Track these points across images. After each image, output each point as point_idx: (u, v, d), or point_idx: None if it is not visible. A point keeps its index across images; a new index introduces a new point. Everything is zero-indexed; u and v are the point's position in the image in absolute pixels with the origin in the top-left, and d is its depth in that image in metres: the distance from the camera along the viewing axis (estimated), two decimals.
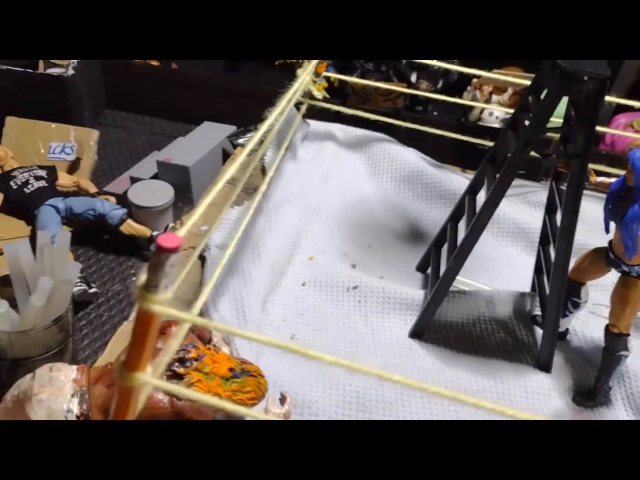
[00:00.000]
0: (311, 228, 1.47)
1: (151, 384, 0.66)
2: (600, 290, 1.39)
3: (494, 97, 2.12)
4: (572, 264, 1.20)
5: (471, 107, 2.09)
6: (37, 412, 0.79)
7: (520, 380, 1.18)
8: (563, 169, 1.06)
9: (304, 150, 1.70)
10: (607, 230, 1.09)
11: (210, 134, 1.81)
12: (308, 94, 1.68)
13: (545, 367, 1.21)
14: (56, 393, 0.81)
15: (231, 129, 1.83)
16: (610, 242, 1.12)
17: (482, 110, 2.07)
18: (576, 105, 0.99)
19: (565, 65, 0.93)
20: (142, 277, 0.62)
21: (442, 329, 1.28)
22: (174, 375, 0.80)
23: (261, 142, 1.71)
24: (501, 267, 1.50)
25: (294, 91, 1.31)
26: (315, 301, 1.29)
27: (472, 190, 1.27)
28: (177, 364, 0.81)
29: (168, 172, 1.67)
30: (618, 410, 1.16)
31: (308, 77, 1.54)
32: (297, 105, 1.70)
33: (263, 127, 1.43)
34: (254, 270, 1.25)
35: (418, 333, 1.25)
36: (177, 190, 1.66)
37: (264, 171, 1.65)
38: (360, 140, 1.77)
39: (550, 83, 0.97)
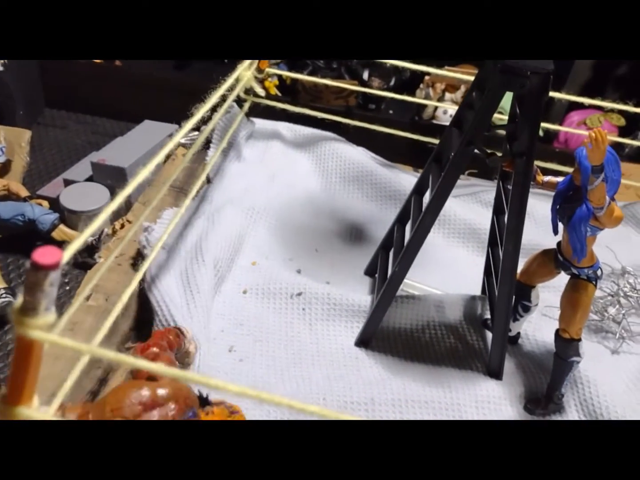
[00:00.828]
0: (255, 231, 1.39)
1: (38, 417, 0.58)
2: (552, 291, 1.36)
3: (447, 95, 2.09)
4: (521, 265, 1.16)
5: (424, 105, 2.05)
6: None
7: (470, 388, 1.12)
8: (508, 168, 1.01)
9: (249, 150, 1.63)
10: (555, 231, 1.04)
11: (150, 133, 1.72)
12: (252, 91, 1.61)
13: (495, 374, 1.16)
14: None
15: (173, 127, 1.74)
16: (558, 244, 1.08)
17: (436, 108, 2.03)
18: (520, 102, 0.94)
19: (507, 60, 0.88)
20: (19, 299, 0.54)
21: (390, 336, 1.22)
22: None
23: (207, 142, 1.65)
24: (452, 269, 1.45)
25: (228, 87, 1.23)
26: (256, 310, 1.21)
27: (419, 190, 1.22)
28: None
29: (103, 173, 1.58)
30: (571, 418, 1.12)
31: (248, 73, 1.46)
32: (240, 103, 1.62)
33: (209, 127, 1.37)
34: (190, 276, 1.17)
35: (364, 341, 1.19)
36: (113, 193, 1.57)
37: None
38: (309, 139, 1.70)
39: (492, 79, 0.92)
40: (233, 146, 1.60)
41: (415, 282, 1.36)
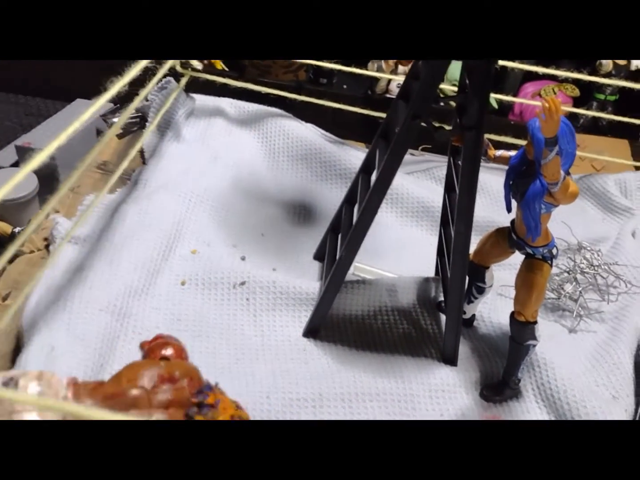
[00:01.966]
0: (195, 217, 1.30)
1: None
2: (508, 269, 1.31)
3: (401, 68, 2.00)
4: (475, 245, 1.10)
5: (377, 79, 1.96)
6: None
7: (423, 377, 1.07)
8: (458, 143, 0.94)
9: (189, 129, 1.52)
10: (508, 209, 0.98)
11: (82, 113, 1.59)
12: (189, 65, 1.50)
13: (450, 360, 1.11)
14: (46, 416, 0.65)
15: (107, 106, 1.61)
16: (512, 222, 1.02)
17: (389, 81, 1.95)
18: (469, 73, 0.87)
19: None
20: None
21: (340, 324, 1.16)
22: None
23: (141, 121, 1.54)
24: (406, 250, 1.39)
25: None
26: (196, 302, 1.13)
27: (366, 169, 1.14)
28: (195, 409, 0.74)
29: (30, 158, 1.45)
30: (529, 403, 1.08)
31: None
32: (177, 78, 1.51)
33: (133, 103, 1.25)
34: (112, 270, 1.08)
35: (313, 331, 1.12)
36: (41, 179, 1.45)
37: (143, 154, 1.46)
38: (254, 116, 1.60)
39: None
40: (171, 125, 1.49)
41: (367, 265, 1.30)
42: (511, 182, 0.96)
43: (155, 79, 1.29)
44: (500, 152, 0.99)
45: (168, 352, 0.85)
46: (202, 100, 1.59)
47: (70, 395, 0.70)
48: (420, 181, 1.55)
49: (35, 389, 0.68)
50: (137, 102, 1.25)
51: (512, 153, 0.97)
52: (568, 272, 1.30)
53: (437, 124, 0.92)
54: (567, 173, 0.90)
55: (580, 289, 1.28)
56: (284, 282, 1.18)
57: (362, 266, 1.29)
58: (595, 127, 2.06)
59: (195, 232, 1.26)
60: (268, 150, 1.54)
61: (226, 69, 1.95)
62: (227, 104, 1.60)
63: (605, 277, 1.31)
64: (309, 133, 1.56)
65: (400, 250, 1.39)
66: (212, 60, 1.94)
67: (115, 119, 1.55)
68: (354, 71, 1.68)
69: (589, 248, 1.38)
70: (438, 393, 1.05)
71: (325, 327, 1.14)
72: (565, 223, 1.43)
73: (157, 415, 0.71)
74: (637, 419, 1.06)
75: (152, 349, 0.86)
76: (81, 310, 1.00)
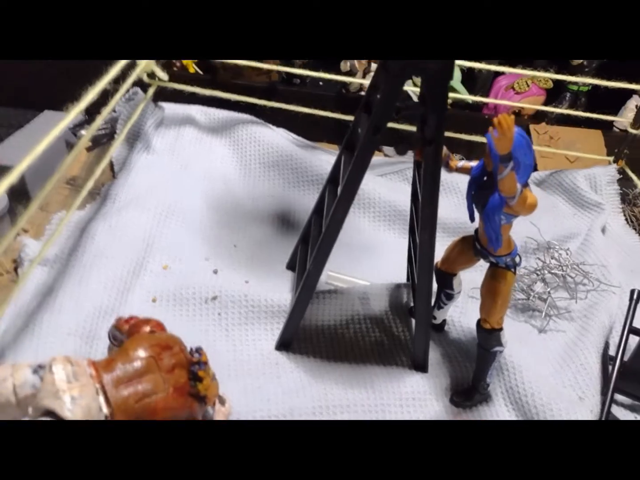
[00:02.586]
0: (166, 231, 1.29)
1: None
2: (480, 271, 1.31)
3: (373, 65, 2.00)
4: (444, 251, 1.11)
5: (353, 76, 1.95)
6: (74, 411, 0.71)
7: (394, 386, 1.08)
8: (418, 157, 0.94)
9: (159, 139, 1.51)
10: (471, 219, 0.99)
11: (50, 126, 1.57)
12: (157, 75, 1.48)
13: (421, 367, 1.13)
14: (86, 390, 0.74)
15: (75, 118, 1.59)
16: (476, 231, 1.03)
17: (364, 77, 1.94)
18: (427, 87, 0.87)
19: None
20: None
21: (312, 336, 1.17)
22: (194, 377, 0.82)
23: (111, 133, 1.52)
24: (379, 255, 1.40)
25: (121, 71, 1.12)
26: (167, 319, 1.11)
27: (333, 179, 1.14)
28: (196, 366, 0.83)
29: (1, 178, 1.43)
30: (498, 407, 1.10)
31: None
32: (144, 88, 1.50)
33: (102, 115, 1.24)
34: (81, 291, 1.08)
35: (285, 344, 1.13)
36: (11, 195, 1.43)
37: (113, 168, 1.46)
38: (224, 123, 1.59)
39: (392, 65, 0.84)
40: (141, 136, 1.48)
41: (340, 274, 1.31)
42: (473, 193, 0.97)
43: (122, 89, 1.28)
44: (461, 163, 0.99)
45: (151, 326, 0.91)
46: (171, 108, 1.58)
47: (93, 372, 0.77)
48: (392, 183, 1.56)
49: (69, 370, 0.75)
50: (105, 114, 1.24)
51: (474, 163, 0.98)
52: (537, 273, 1.32)
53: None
54: (526, 184, 0.91)
55: (549, 289, 1.30)
56: (256, 295, 1.18)
57: (335, 274, 1.30)
58: (569, 117, 2.07)
59: (167, 247, 1.26)
60: (239, 158, 1.54)
61: (200, 71, 1.94)
62: (197, 111, 1.60)
63: (573, 276, 1.33)
64: (280, 139, 1.56)
65: (373, 255, 1.40)
66: (185, 64, 1.93)
67: (84, 132, 1.53)
68: (322, 76, 1.68)
69: (557, 247, 1.40)
70: (409, 402, 1.06)
71: (297, 339, 1.15)
72: (534, 224, 1.45)
73: (166, 377, 0.80)
74: (603, 417, 1.08)
75: (134, 326, 0.90)
76: (49, 335, 1.01)
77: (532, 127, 1.97)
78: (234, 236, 1.35)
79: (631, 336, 1.20)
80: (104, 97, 1.41)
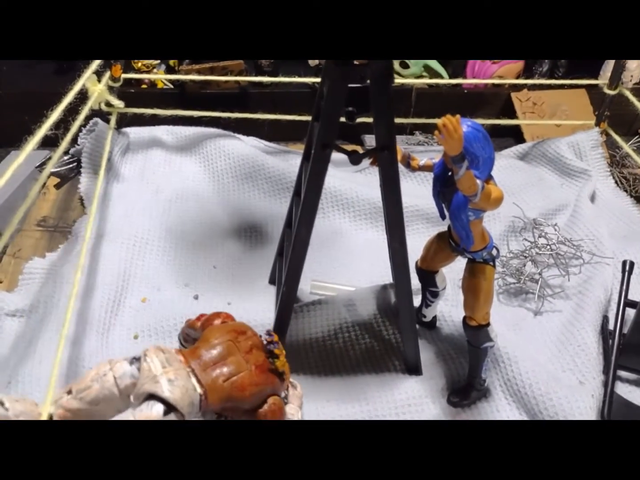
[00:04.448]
0: (142, 262, 1.27)
1: None
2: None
3: None
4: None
5: None
6: (173, 391, 0.78)
7: (387, 395, 1.06)
8: (374, 164, 0.90)
9: (128, 166, 1.49)
10: (442, 216, 0.96)
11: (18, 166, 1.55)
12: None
13: (414, 369, 1.10)
14: (180, 373, 0.81)
15: (42, 154, 1.57)
16: (449, 228, 0.99)
17: None
18: (372, 92, 0.83)
19: None
20: None
21: (301, 351, 1.14)
22: (271, 355, 0.90)
23: (78, 167, 1.50)
24: (364, 257, 1.36)
25: (67, 103, 1.09)
26: None
27: (297, 192, 1.11)
28: (271, 345, 0.91)
29: None
30: (498, 401, 1.07)
31: (98, 87, 1.30)
32: (106, 117, 1.47)
33: (58, 151, 1.21)
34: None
35: None
36: None
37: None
38: (192, 140, 1.56)
39: (329, 70, 0.80)
40: (108, 166, 1.46)
41: (324, 282, 1.27)
42: (438, 190, 0.93)
43: (78, 121, 1.25)
44: (423, 162, 0.95)
45: (222, 318, 0.98)
46: (136, 132, 1.55)
47: (182, 358, 0.84)
48: (370, 178, 1.51)
49: (162, 357, 0.82)
50: (62, 147, 1.21)
51: (436, 160, 0.94)
52: (524, 255, 1.28)
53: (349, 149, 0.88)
54: (490, 177, 0.87)
55: (539, 269, 1.26)
56: (238, 317, 1.13)
57: (318, 283, 1.27)
58: (552, 78, 2.00)
59: (144, 278, 1.24)
60: (211, 175, 1.50)
61: (170, 85, 1.90)
62: (163, 132, 1.57)
63: (563, 252, 1.29)
64: (250, 149, 1.52)
65: (358, 257, 1.36)
66: (155, 80, 1.89)
67: (51, 169, 1.50)
68: (290, 81, 1.65)
69: (545, 223, 1.35)
70: (404, 409, 1.04)
71: (287, 356, 1.12)
72: (518, 203, 1.41)
73: (247, 357, 0.88)
74: (607, 398, 1.05)
75: (206, 320, 0.98)
76: (33, 389, 0.99)
77: (513, 95, 1.92)
78: (213, 257, 1.33)
79: (629, 309, 1.16)
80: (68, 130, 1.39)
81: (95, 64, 1.23)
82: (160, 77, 1.71)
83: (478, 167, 0.83)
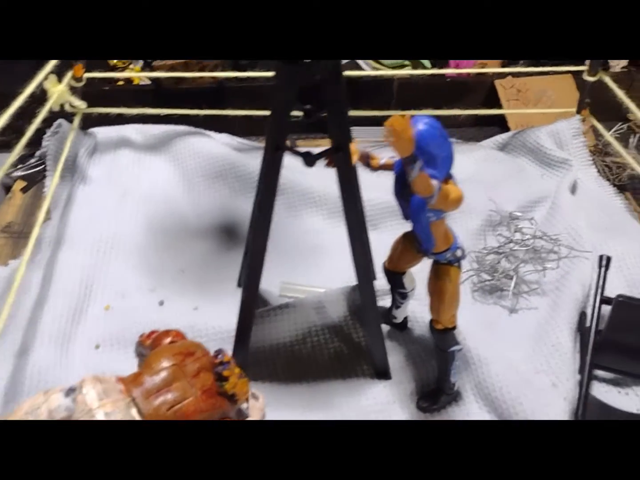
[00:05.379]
0: (106, 268, 1.24)
1: None
2: None
3: None
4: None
5: None
6: None
7: (355, 401, 1.03)
8: (331, 165, 0.87)
9: (95, 168, 1.45)
10: (405, 217, 0.92)
11: None
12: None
13: (383, 373, 1.07)
14: (119, 405, 0.78)
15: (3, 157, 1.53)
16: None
17: None
18: (323, 90, 0.79)
19: None
20: None
21: (267, 358, 1.11)
22: (219, 378, 0.86)
23: (42, 171, 1.46)
24: (338, 257, 1.31)
25: (17, 106, 1.05)
26: (111, 365, 1.07)
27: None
28: (220, 367, 0.87)
29: None
30: (469, 405, 1.04)
31: (59, 88, 1.26)
32: (69, 117, 1.43)
33: (13, 154, 1.18)
34: (20, 351, 1.03)
35: None
36: None
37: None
38: (162, 139, 1.52)
39: (277, 71, 0.76)
40: (74, 168, 1.42)
41: (294, 284, 1.24)
42: (399, 190, 0.89)
43: (35, 123, 1.22)
44: (384, 161, 0.92)
45: (171, 337, 0.95)
46: (104, 132, 1.51)
47: (123, 388, 0.81)
48: None
49: (99, 388, 0.79)
50: (17, 151, 1.18)
51: (397, 158, 0.90)
52: (497, 252, 1.24)
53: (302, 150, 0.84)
54: (450, 176, 0.83)
55: (513, 265, 1.23)
56: (203, 323, 1.13)
57: (289, 285, 1.24)
58: (537, 63, 1.95)
59: (108, 285, 1.21)
60: (181, 174, 1.46)
61: (147, 80, 1.85)
62: (132, 131, 1.53)
63: (539, 247, 1.25)
64: (221, 147, 1.48)
65: (332, 256, 1.33)
66: (131, 77, 1.85)
67: (18, 173, 1.47)
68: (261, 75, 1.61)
69: (521, 217, 1.31)
70: (371, 415, 1.01)
71: (252, 363, 1.09)
72: (493, 198, 1.36)
73: (193, 381, 0.84)
74: (582, 398, 1.02)
75: (156, 339, 0.95)
76: None
77: (497, 82, 1.87)
78: (181, 260, 1.29)
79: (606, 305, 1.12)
80: (39, 133, 1.36)
81: (51, 64, 1.19)
82: (125, 75, 1.67)
83: (435, 167, 0.79)
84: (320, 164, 0.88)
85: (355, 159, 0.86)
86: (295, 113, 0.81)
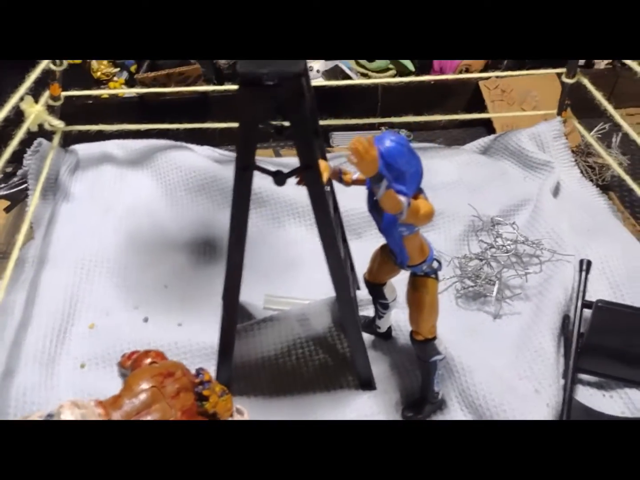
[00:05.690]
0: (90, 286, 1.24)
1: None
2: None
3: None
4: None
5: None
6: None
7: (339, 412, 1.03)
8: (301, 183, 0.87)
9: (77, 185, 1.45)
10: (380, 231, 0.92)
11: None
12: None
13: (368, 384, 1.07)
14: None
15: None
16: None
17: None
18: (283, 110, 0.79)
19: (243, 70, 0.72)
20: None
21: (252, 372, 1.11)
22: (199, 397, 0.88)
23: (25, 190, 1.46)
24: (320, 267, 1.31)
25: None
26: (97, 385, 1.07)
27: None
28: (200, 386, 0.89)
29: None
30: (453, 413, 1.04)
31: (36, 108, 1.26)
32: (49, 136, 1.43)
33: None
34: (6, 372, 1.03)
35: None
36: None
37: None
38: (143, 153, 1.52)
39: (241, 95, 0.76)
40: (56, 186, 1.42)
41: (278, 297, 1.24)
42: (372, 204, 0.89)
43: (11, 146, 1.22)
44: (356, 176, 0.92)
45: (151, 358, 0.97)
46: (85, 149, 1.51)
47: (102, 412, 0.82)
48: None
49: (77, 413, 0.80)
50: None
51: None
52: (480, 258, 1.24)
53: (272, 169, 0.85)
54: (420, 191, 0.83)
55: (495, 272, 1.23)
56: (186, 340, 1.13)
57: (272, 298, 1.24)
58: (520, 66, 1.95)
59: (92, 303, 1.21)
60: (163, 189, 1.46)
61: (133, 92, 1.85)
62: (114, 146, 1.53)
63: (521, 252, 1.26)
64: (203, 160, 1.48)
65: (315, 267, 1.30)
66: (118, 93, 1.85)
67: (0, 192, 1.47)
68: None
69: (502, 223, 1.32)
70: None
71: (237, 378, 1.09)
72: (482, 195, 1.37)
73: (172, 402, 0.86)
74: (565, 403, 1.02)
75: (136, 360, 0.96)
76: None
77: (481, 83, 1.88)
78: (164, 276, 1.29)
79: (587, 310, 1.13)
80: (21, 153, 1.36)
81: (26, 86, 1.19)
82: (101, 92, 1.67)
83: (405, 183, 0.79)
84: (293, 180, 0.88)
85: (326, 176, 0.87)
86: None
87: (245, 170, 0.81)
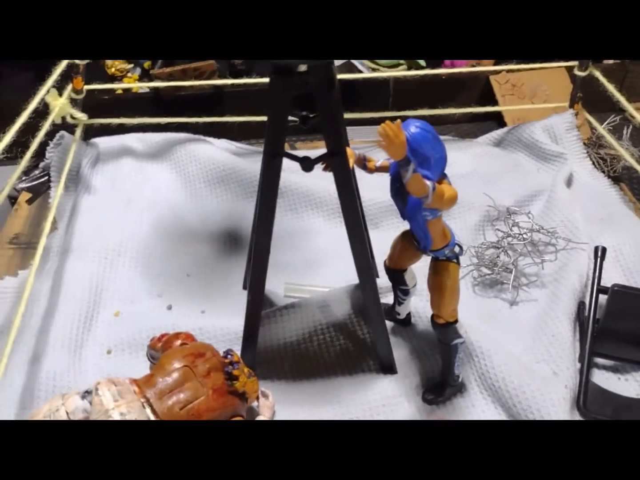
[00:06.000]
0: (114, 275, 1.27)
1: None
2: None
3: None
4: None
5: None
6: None
7: (361, 396, 1.05)
8: (327, 169, 0.89)
9: (98, 177, 1.48)
10: (403, 217, 0.95)
11: None
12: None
13: (389, 368, 1.09)
14: (133, 405, 0.82)
15: (9, 170, 1.56)
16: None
17: None
18: (315, 97, 0.82)
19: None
20: None
21: (275, 357, 1.14)
22: (230, 377, 0.90)
23: (47, 182, 1.49)
24: (339, 255, 1.34)
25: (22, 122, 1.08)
26: (124, 370, 1.10)
27: None
28: (230, 366, 0.91)
29: None
30: (473, 396, 1.06)
31: (60, 101, 1.29)
32: (71, 129, 1.45)
33: (19, 168, 1.20)
34: (33, 358, 1.06)
35: None
36: None
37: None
38: (163, 146, 1.55)
39: (270, 82, 0.79)
40: (78, 178, 1.45)
41: (298, 284, 1.27)
42: (396, 191, 0.92)
43: (38, 137, 1.25)
44: (380, 162, 0.94)
45: (181, 339, 0.98)
46: (105, 142, 1.54)
47: (137, 389, 0.85)
48: None
49: (114, 390, 0.83)
50: (22, 166, 1.21)
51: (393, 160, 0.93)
52: (496, 246, 1.27)
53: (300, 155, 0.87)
54: (444, 176, 0.86)
55: (512, 260, 1.25)
56: (210, 326, 1.15)
57: (293, 286, 1.26)
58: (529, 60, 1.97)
59: (117, 292, 1.24)
60: (183, 181, 1.49)
61: (146, 88, 1.88)
62: (133, 139, 1.55)
63: (537, 240, 1.28)
64: (221, 152, 1.51)
65: (334, 256, 1.35)
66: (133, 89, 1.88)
67: (23, 185, 1.50)
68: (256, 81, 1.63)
69: (518, 212, 1.34)
70: (378, 409, 1.03)
71: (260, 363, 1.12)
72: (489, 193, 1.39)
73: (204, 381, 0.88)
74: (581, 388, 1.04)
75: (167, 342, 0.98)
76: (3, 414, 0.99)
77: (492, 78, 1.90)
78: (187, 265, 1.32)
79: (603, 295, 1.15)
80: (43, 146, 1.38)
81: (52, 79, 1.21)
82: (123, 86, 1.69)
83: (430, 168, 0.82)
84: (319, 167, 0.91)
85: (351, 162, 0.89)
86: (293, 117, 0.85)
87: (274, 157, 0.84)
